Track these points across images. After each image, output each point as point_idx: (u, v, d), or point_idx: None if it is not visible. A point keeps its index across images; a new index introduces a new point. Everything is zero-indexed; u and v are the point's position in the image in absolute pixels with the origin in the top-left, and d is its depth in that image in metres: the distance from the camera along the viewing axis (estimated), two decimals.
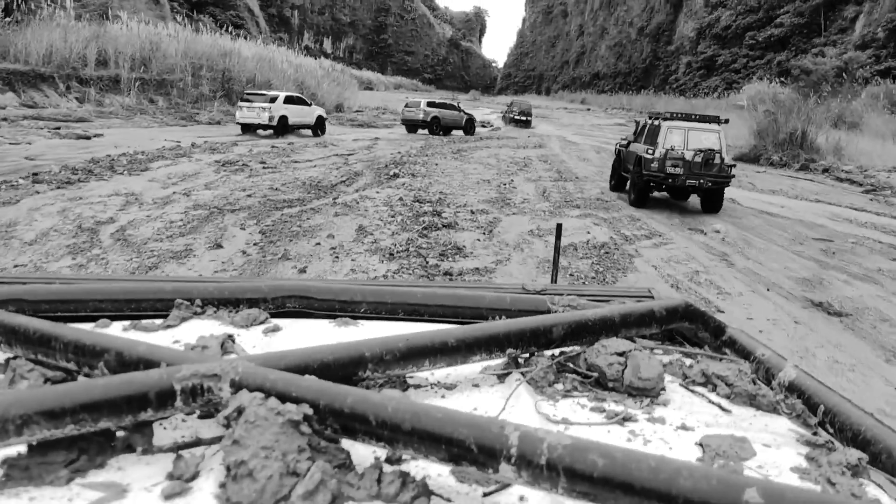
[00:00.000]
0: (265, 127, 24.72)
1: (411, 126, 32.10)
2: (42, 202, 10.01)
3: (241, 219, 10.09)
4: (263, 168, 15.66)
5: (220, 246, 8.44)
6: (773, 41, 67.28)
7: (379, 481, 0.71)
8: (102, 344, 0.88)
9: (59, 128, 20.67)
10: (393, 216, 10.92)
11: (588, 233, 10.71)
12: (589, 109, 76.23)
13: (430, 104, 32.48)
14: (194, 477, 0.73)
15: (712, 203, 14.02)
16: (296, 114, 26.03)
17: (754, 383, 1.04)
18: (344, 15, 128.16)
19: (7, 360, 0.95)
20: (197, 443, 0.81)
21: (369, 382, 0.96)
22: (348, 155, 19.87)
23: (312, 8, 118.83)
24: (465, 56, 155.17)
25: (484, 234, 10.22)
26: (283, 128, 25.00)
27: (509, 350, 1.03)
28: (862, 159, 24.79)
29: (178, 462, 0.74)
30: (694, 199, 14.92)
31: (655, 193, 14.51)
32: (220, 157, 16.70)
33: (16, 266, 7.08)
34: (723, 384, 1.04)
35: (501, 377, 1.05)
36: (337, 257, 8.34)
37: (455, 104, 35.46)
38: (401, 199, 12.55)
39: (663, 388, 1.03)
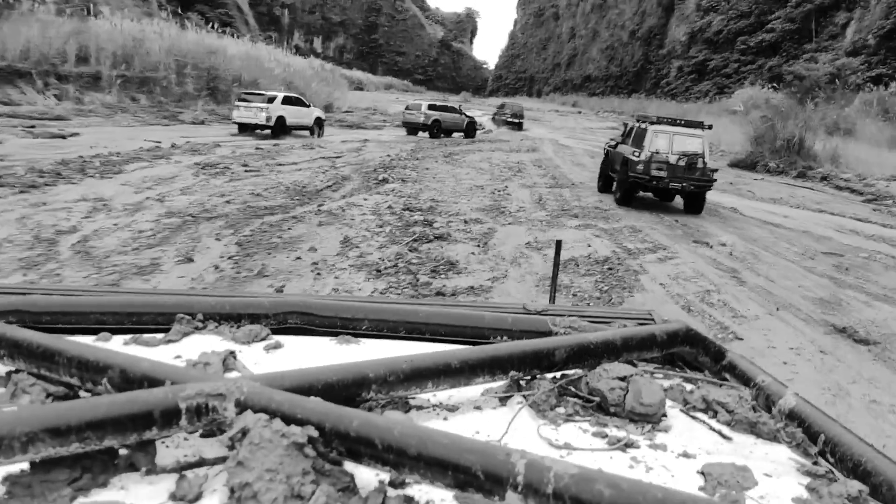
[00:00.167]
0: (262, 127, 24.26)
1: (412, 129, 31.77)
2: (0, 208, 9.24)
3: (217, 228, 9.37)
4: (246, 171, 14.90)
5: (190, 259, 7.72)
6: (764, 46, 67.19)
7: None
8: (105, 360, 0.88)
9: (34, 126, 19.75)
10: (381, 226, 10.23)
11: (589, 245, 10.07)
12: (580, 112, 75.83)
13: (430, 107, 32.23)
14: (198, 498, 0.72)
15: (694, 205, 14.49)
16: (294, 115, 25.50)
17: (755, 410, 1.03)
18: (334, 14, 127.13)
19: (8, 374, 0.96)
20: (200, 463, 0.79)
21: (372, 403, 0.95)
22: (336, 157, 19.14)
23: (303, 7, 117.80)
24: (456, 57, 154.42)
25: (478, 246, 9.56)
26: (280, 128, 24.46)
27: (511, 372, 1.03)
28: (860, 167, 24.36)
29: (182, 482, 0.73)
30: (703, 212, 14.44)
31: (640, 193, 14.92)
32: (200, 160, 15.91)
33: None
34: (723, 411, 1.03)
35: (503, 399, 1.04)
36: (319, 274, 7.64)
37: (456, 107, 35.24)
38: (390, 206, 11.85)
39: (664, 414, 1.01)
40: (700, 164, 13.91)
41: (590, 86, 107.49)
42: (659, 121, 14.90)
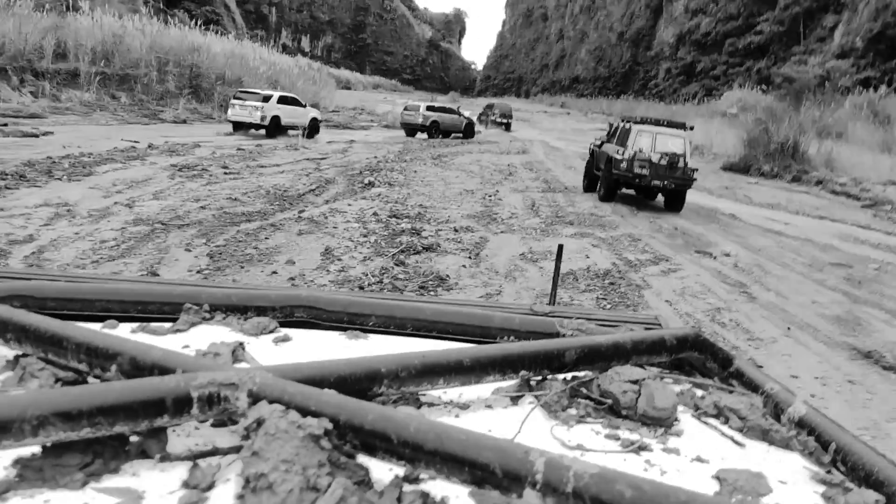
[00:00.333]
0: (257, 126, 23.82)
1: (410, 130, 31.32)
2: None
3: (188, 237, 8.67)
4: (225, 174, 14.17)
5: (155, 274, 7.01)
6: (752, 48, 67.21)
7: (399, 500, 0.70)
8: (116, 347, 0.88)
9: (6, 124, 18.91)
10: (366, 235, 9.56)
11: (587, 257, 9.46)
12: (569, 113, 75.49)
13: (429, 108, 31.96)
14: (210, 487, 0.71)
15: (675, 203, 14.98)
16: (289, 114, 24.98)
17: (765, 417, 1.02)
18: (322, 13, 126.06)
19: (16, 358, 0.96)
20: (213, 452, 0.78)
21: (384, 398, 0.95)
22: (320, 159, 18.44)
23: (290, 5, 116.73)
24: (444, 57, 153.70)
25: (470, 258, 8.92)
26: (275, 128, 23.96)
27: (522, 372, 1.02)
28: (854, 171, 23.96)
29: (195, 471, 0.73)
30: (691, 214, 13.92)
31: (623, 190, 15.49)
32: (178, 161, 15.14)
33: None
34: (735, 417, 1.02)
35: (514, 399, 1.04)
36: None
37: (455, 108, 34.93)
38: (375, 213, 11.17)
39: (676, 419, 1.00)
40: (681, 164, 14.37)
41: (578, 87, 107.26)
42: (643, 121, 15.45)
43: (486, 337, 1.22)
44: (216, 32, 40.59)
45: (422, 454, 0.70)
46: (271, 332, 1.21)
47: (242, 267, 7.59)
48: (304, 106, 26.65)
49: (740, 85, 55.49)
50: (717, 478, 0.84)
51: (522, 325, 1.24)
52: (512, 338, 1.21)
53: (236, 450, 0.76)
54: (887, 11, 50.05)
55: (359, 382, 0.89)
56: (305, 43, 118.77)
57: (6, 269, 1.42)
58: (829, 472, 0.91)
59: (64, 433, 0.70)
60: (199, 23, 41.43)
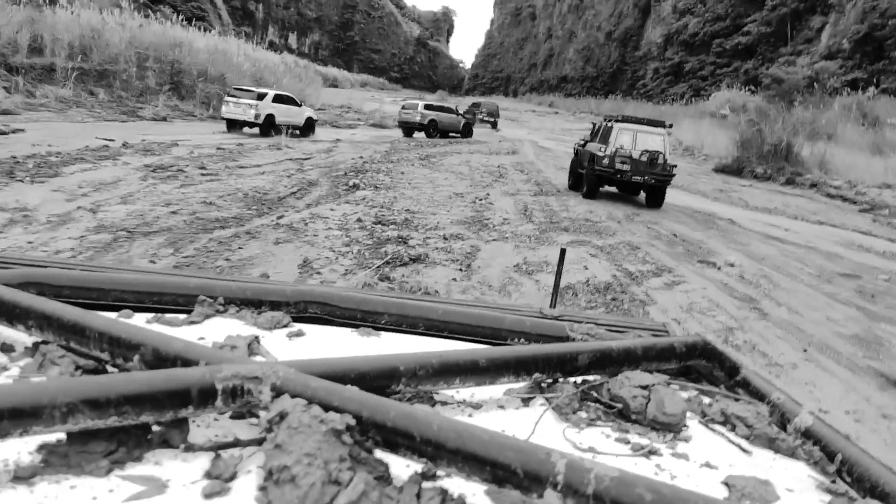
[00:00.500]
0: (251, 124, 23.29)
1: (408, 129, 30.83)
2: None
3: (154, 246, 7.98)
4: (202, 175, 13.43)
5: None
6: (740, 49, 67.07)
7: (418, 496, 0.69)
8: (137, 337, 0.88)
9: None
10: (348, 245, 8.88)
11: (586, 268, 8.86)
12: (557, 112, 75.16)
13: (427, 107, 31.58)
14: (232, 478, 0.72)
15: (655, 199, 15.48)
16: (284, 113, 24.33)
17: (771, 426, 1.02)
18: (310, 10, 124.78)
19: (35, 345, 0.96)
20: (235, 443, 0.79)
21: (400, 396, 0.95)
22: (304, 159, 17.72)
23: (278, 2, 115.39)
24: (432, 55, 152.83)
25: (461, 269, 8.29)
26: (269, 126, 23.36)
27: (536, 374, 1.02)
28: (848, 174, 23.58)
29: (217, 461, 0.74)
30: (689, 219, 13.38)
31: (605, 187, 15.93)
32: (152, 161, 14.37)
33: None
34: (742, 425, 1.01)
35: (525, 401, 1.03)
36: None
37: (453, 107, 34.48)
38: (359, 220, 10.50)
39: (685, 425, 1.01)
40: (660, 160, 14.89)
41: (566, 86, 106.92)
42: (624, 119, 16.07)
43: (497, 338, 1.22)
44: (201, 29, 39.59)
45: (444, 452, 0.70)
46: (285, 326, 1.21)
47: None
48: (300, 105, 26.05)
49: (728, 85, 55.29)
50: (726, 484, 0.84)
51: (533, 328, 1.23)
52: (522, 340, 1.21)
53: (257, 442, 0.77)
54: (874, 13, 50.02)
55: (377, 379, 0.88)
56: (293, 40, 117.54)
57: (21, 257, 1.43)
58: (834, 481, 0.90)
59: (91, 421, 0.71)
60: (183, 18, 40.50)
